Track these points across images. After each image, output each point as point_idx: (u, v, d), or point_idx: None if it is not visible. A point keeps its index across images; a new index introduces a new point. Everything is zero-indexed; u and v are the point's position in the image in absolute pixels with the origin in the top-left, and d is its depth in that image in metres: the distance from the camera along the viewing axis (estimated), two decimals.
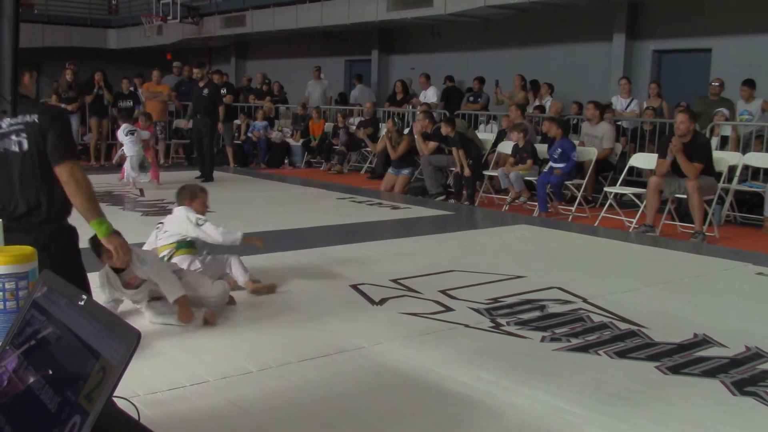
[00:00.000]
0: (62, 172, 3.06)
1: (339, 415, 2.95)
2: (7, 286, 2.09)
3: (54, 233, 3.14)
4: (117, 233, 3.24)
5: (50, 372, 1.42)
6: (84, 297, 1.50)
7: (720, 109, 9.21)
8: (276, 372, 3.40)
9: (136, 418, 1.73)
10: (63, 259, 3.04)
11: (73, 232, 3.24)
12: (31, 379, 1.46)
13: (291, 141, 13.75)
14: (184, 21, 19.67)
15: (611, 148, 9.47)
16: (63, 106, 11.96)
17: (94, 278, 4.91)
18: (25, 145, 3.07)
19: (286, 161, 13.60)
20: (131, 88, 13.15)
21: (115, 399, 1.49)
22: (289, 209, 8.22)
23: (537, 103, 11.76)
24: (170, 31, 20.60)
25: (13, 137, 3.08)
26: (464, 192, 9.46)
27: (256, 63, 20.92)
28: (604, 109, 9.82)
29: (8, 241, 2.41)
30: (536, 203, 8.88)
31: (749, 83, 9.39)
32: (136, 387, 3.05)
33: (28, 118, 3.06)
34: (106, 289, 3.88)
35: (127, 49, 22.35)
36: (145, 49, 21.75)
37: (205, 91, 10.89)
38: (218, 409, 2.98)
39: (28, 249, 1.95)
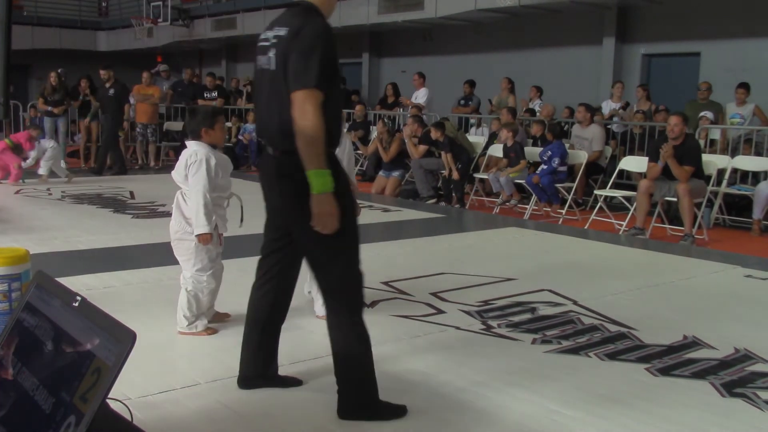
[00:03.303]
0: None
1: (331, 418, 2.95)
2: None
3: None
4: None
5: (44, 373, 1.42)
6: (78, 298, 1.50)
7: (704, 113, 9.24)
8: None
9: (129, 420, 1.73)
10: None
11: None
12: (25, 381, 1.46)
13: None
14: (174, 23, 19.62)
15: (601, 150, 9.51)
16: (49, 109, 11.95)
17: (83, 281, 4.92)
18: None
19: None
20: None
21: (108, 401, 1.50)
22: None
23: (527, 106, 11.81)
24: (161, 34, 20.54)
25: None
26: (453, 195, 9.50)
27: (247, 66, 20.88)
28: (594, 111, 9.87)
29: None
30: (527, 206, 8.92)
31: (744, 86, 9.44)
32: (128, 390, 3.04)
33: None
34: None
35: (117, 52, 22.27)
36: (136, 51, 21.68)
37: (111, 91, 11.46)
38: (210, 412, 2.98)
39: (21, 251, 1.94)
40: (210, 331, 3.91)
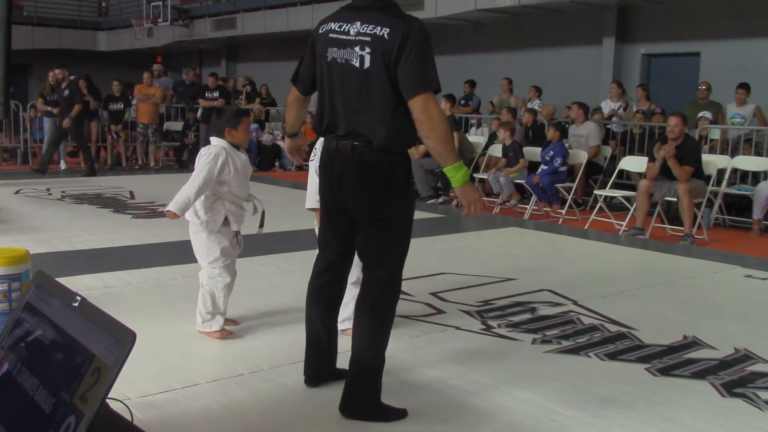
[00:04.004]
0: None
1: (330, 417, 2.95)
2: None
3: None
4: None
5: (44, 373, 1.42)
6: (78, 298, 1.50)
7: (703, 113, 9.23)
8: (267, 374, 3.40)
9: (129, 420, 1.73)
10: None
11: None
12: (25, 381, 1.46)
13: (282, 144, 13.73)
14: (174, 23, 19.64)
15: (598, 145, 9.51)
16: (49, 109, 11.95)
17: (83, 281, 4.92)
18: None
19: (276, 164, 13.59)
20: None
21: (108, 401, 1.50)
22: (279, 212, 8.21)
23: (526, 105, 11.81)
24: (160, 34, 20.56)
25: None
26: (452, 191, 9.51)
27: (247, 65, 20.90)
28: (588, 108, 9.88)
29: None
30: (527, 206, 8.92)
31: (744, 87, 9.43)
32: (128, 390, 3.04)
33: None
34: None
35: (117, 52, 22.28)
36: (135, 51, 21.68)
37: (66, 92, 11.62)
38: (210, 412, 2.98)
39: (21, 251, 1.94)
40: (224, 333, 3.86)
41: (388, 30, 2.70)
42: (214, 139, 3.87)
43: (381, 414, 2.94)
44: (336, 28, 2.85)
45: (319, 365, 3.21)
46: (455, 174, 2.77)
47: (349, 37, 2.78)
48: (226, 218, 3.84)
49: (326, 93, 2.92)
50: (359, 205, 2.89)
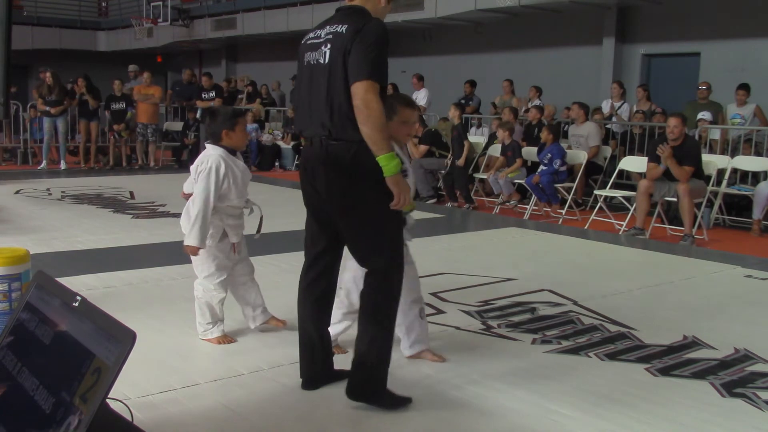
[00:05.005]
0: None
1: (331, 418, 2.95)
2: None
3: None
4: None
5: (44, 373, 1.42)
6: (78, 298, 1.50)
7: (701, 115, 9.20)
8: (267, 374, 3.40)
9: (129, 420, 1.73)
10: None
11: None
12: (25, 381, 1.46)
13: (282, 144, 13.74)
14: (174, 23, 19.64)
15: (597, 145, 9.51)
16: (47, 109, 11.96)
17: (83, 281, 4.92)
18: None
19: (276, 164, 13.59)
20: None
21: (108, 401, 1.50)
22: (279, 212, 8.21)
23: (528, 105, 11.81)
24: (160, 34, 20.56)
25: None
26: (458, 195, 9.52)
27: (247, 65, 20.89)
28: (588, 109, 9.88)
29: None
30: (527, 206, 8.92)
31: (744, 87, 9.43)
32: (128, 390, 3.04)
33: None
34: None
35: (116, 52, 22.28)
36: (135, 51, 21.68)
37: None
38: (210, 412, 2.98)
39: (21, 251, 1.94)
40: (226, 339, 3.83)
41: (346, 26, 2.87)
42: (210, 147, 3.72)
43: (385, 399, 3.01)
44: (312, 36, 3.05)
45: (313, 371, 3.21)
46: (388, 163, 2.81)
47: (319, 40, 2.96)
48: (224, 231, 3.77)
49: (301, 94, 3.06)
50: (329, 195, 2.96)
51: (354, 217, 2.95)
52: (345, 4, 3.05)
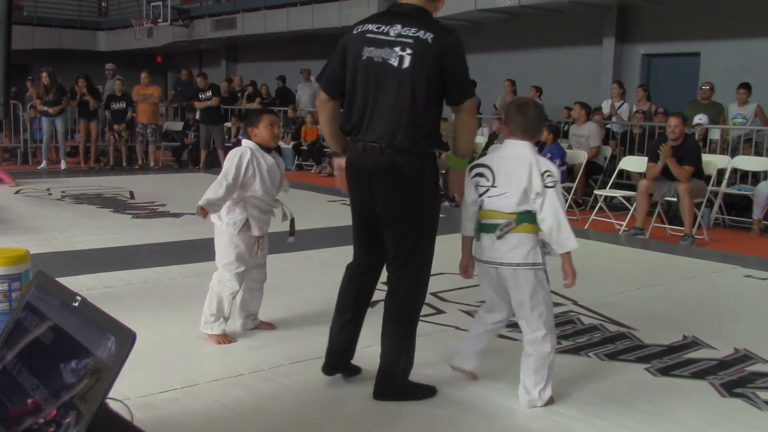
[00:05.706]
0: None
1: (331, 418, 2.95)
2: None
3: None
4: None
5: (44, 373, 1.42)
6: (78, 298, 1.50)
7: (698, 119, 9.17)
8: (267, 374, 3.40)
9: (129, 420, 1.73)
10: None
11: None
12: (25, 381, 1.46)
13: (282, 144, 13.73)
14: (174, 23, 19.64)
15: (598, 146, 9.51)
16: (46, 109, 11.95)
17: (83, 281, 4.92)
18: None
19: None
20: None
21: (108, 401, 1.50)
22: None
23: None
24: (160, 34, 20.56)
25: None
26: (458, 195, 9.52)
27: (247, 66, 20.89)
28: (590, 109, 9.88)
29: None
30: None
31: (746, 87, 9.42)
32: (128, 390, 3.04)
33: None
34: None
35: (117, 52, 22.28)
36: (136, 51, 21.69)
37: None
38: (210, 412, 2.98)
39: (21, 251, 1.95)
40: (224, 339, 3.83)
41: (432, 35, 2.82)
42: (243, 141, 3.93)
43: (413, 393, 3.12)
44: (374, 29, 2.93)
45: (335, 364, 3.28)
46: (464, 163, 3.08)
47: (389, 38, 2.86)
48: (248, 222, 3.83)
49: (357, 92, 2.97)
50: (386, 205, 2.98)
51: (405, 225, 3.02)
52: (406, 2, 2.96)
